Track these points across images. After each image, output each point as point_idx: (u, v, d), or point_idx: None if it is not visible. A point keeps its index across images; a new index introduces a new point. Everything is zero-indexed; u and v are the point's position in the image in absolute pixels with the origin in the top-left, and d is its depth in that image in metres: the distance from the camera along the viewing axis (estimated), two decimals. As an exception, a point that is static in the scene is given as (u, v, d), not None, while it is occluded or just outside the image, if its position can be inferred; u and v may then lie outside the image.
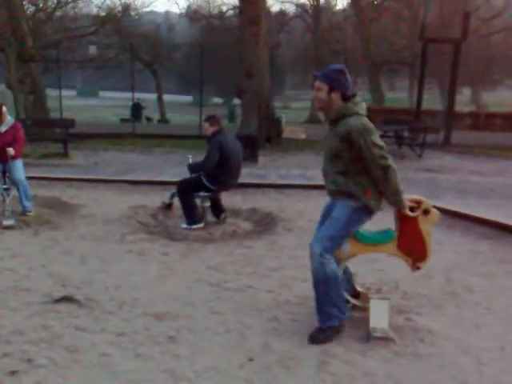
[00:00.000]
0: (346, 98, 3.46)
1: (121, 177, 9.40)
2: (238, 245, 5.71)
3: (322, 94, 3.47)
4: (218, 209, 6.59)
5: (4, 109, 6.46)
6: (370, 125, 3.45)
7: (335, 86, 3.43)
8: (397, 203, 3.48)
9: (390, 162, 3.40)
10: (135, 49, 23.83)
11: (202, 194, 6.31)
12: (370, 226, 3.73)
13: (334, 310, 3.48)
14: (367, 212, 3.51)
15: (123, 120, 22.78)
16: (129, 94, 21.48)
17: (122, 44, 25.81)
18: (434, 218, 3.64)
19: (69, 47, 23.04)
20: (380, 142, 3.42)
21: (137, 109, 24.10)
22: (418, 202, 3.62)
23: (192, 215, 6.29)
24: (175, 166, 10.42)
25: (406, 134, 13.83)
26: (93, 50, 23.25)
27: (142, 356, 3.26)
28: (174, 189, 6.63)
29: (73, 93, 44.54)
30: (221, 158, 6.11)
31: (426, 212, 3.62)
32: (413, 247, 3.62)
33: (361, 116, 3.46)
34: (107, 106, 38.51)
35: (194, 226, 6.24)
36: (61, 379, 2.98)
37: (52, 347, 3.32)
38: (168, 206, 6.91)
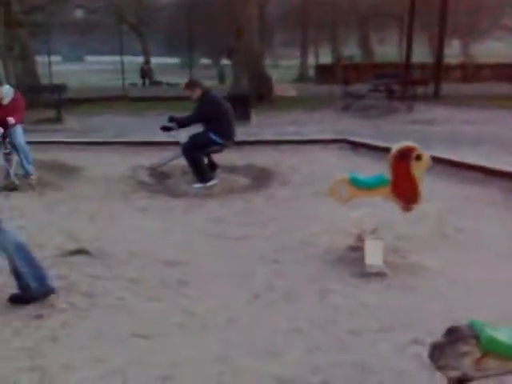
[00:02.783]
0: None
1: (117, 139, 9.53)
2: (237, 199, 5.94)
3: None
4: (212, 165, 6.79)
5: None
6: None
7: None
8: None
9: None
10: (121, 11, 23.51)
11: (212, 148, 6.46)
12: (367, 173, 3.96)
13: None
14: None
15: (132, 84, 22.58)
16: (115, 58, 21.33)
17: (108, 7, 25.38)
18: (426, 163, 3.87)
19: (53, 12, 22.63)
20: None
21: (145, 73, 24.32)
22: (411, 149, 3.83)
23: (204, 173, 6.43)
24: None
25: (395, 87, 13.94)
26: (79, 13, 22.91)
27: (155, 298, 3.52)
28: (152, 155, 6.85)
29: (58, 58, 43.87)
30: (220, 112, 6.32)
31: (418, 157, 3.84)
32: (405, 190, 3.86)
33: None
34: (94, 70, 38.05)
35: (209, 184, 6.37)
36: (82, 321, 3.23)
37: (70, 294, 3.56)
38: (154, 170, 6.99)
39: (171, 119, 6.59)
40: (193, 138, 6.52)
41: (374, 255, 3.77)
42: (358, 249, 4.05)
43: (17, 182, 6.37)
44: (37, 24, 19.65)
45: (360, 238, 4.05)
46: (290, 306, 3.40)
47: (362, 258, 3.85)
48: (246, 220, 5.15)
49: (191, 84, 6.59)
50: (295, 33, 32.29)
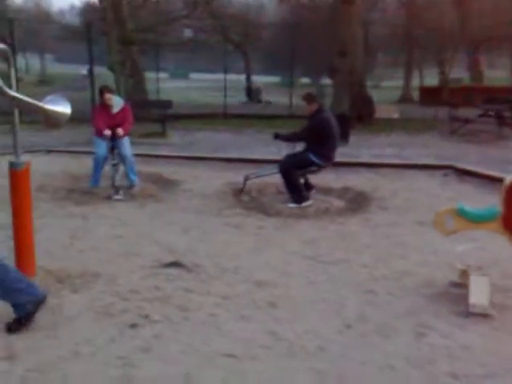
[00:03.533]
0: None
1: (215, 154, 9.77)
2: (332, 221, 5.81)
3: None
4: (307, 186, 6.72)
5: (108, 95, 6.92)
6: None
7: None
8: None
9: None
10: (226, 30, 24.29)
11: (310, 169, 6.41)
12: (473, 204, 3.70)
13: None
14: None
15: (244, 103, 23.26)
16: (218, 76, 22.03)
17: (213, 26, 26.33)
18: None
19: (164, 31, 23.87)
20: None
21: (251, 91, 25.16)
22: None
23: (300, 193, 6.36)
24: (265, 145, 10.62)
25: (507, 113, 13.12)
26: (188, 33, 24.01)
27: (245, 318, 3.50)
28: (249, 171, 6.86)
29: (165, 75, 46.16)
30: (327, 133, 6.24)
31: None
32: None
33: None
34: (197, 87, 39.56)
35: (304, 204, 6.27)
36: (175, 334, 3.27)
37: (165, 306, 3.63)
38: (241, 191, 6.86)
39: (276, 136, 6.55)
40: (291, 157, 6.48)
41: (478, 294, 3.50)
42: (460, 285, 3.78)
43: (120, 193, 6.69)
44: (147, 42, 20.81)
45: (464, 274, 3.77)
46: (384, 340, 3.23)
47: (465, 295, 3.58)
48: (340, 244, 5.02)
49: (310, 97, 6.41)
50: (398, 53, 31.60)
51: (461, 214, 3.58)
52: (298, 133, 6.52)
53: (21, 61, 34.10)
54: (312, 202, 6.38)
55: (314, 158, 6.31)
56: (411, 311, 3.58)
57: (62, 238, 5.07)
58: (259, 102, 24.96)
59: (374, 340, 3.22)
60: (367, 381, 2.79)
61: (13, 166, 3.88)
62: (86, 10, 31.02)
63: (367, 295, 3.86)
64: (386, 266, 4.45)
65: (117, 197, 6.62)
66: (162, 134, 12.49)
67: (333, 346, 3.14)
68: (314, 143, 6.30)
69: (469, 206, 3.68)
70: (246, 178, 6.87)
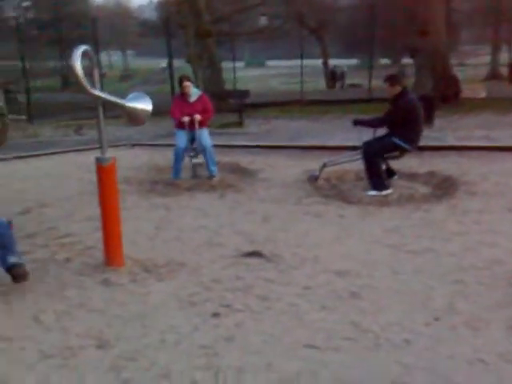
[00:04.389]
0: None
1: (292, 143, 9.73)
2: (416, 208, 5.60)
3: None
4: (389, 172, 6.50)
5: (187, 83, 7.05)
6: None
7: None
8: None
9: None
10: (301, 15, 24.03)
11: (394, 154, 6.20)
12: None
13: None
14: None
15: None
16: (294, 62, 21.85)
17: (288, 12, 26.15)
18: None
19: (239, 20, 24.03)
20: None
21: (337, 76, 24.91)
22: None
23: (381, 180, 6.14)
24: (344, 132, 10.42)
25: None
26: (263, 21, 24.03)
27: (327, 308, 3.44)
28: (324, 160, 6.69)
29: (241, 64, 46.60)
30: (412, 116, 6.00)
31: None
32: None
33: None
34: (274, 74, 39.58)
35: (384, 192, 6.07)
36: (256, 323, 3.28)
37: (246, 295, 3.66)
38: (316, 179, 6.72)
39: (356, 122, 6.33)
40: (375, 141, 6.26)
41: None
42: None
43: (201, 161, 7.07)
44: (223, 33, 21.04)
45: None
46: (474, 333, 3.06)
47: None
48: (425, 232, 4.82)
49: (393, 78, 6.12)
50: (484, 29, 29.84)
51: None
52: (380, 117, 6.28)
53: (104, 58, 35.71)
54: (392, 191, 6.16)
55: (399, 142, 6.08)
56: (503, 303, 3.37)
57: (147, 228, 5.25)
58: (342, 87, 24.51)
59: (463, 333, 3.06)
60: (456, 376, 2.65)
61: (99, 161, 4.05)
62: (163, 4, 31.82)
63: (455, 285, 3.68)
64: (475, 254, 4.23)
65: (195, 160, 7.06)
66: (240, 124, 12.61)
67: (420, 338, 3.02)
68: (399, 127, 6.05)
69: None
70: (324, 165, 6.75)
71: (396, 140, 6.07)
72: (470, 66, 29.71)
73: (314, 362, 2.85)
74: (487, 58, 29.72)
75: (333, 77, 25.87)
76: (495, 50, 28.42)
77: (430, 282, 3.76)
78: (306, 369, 2.79)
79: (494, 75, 26.11)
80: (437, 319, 3.23)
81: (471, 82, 19.63)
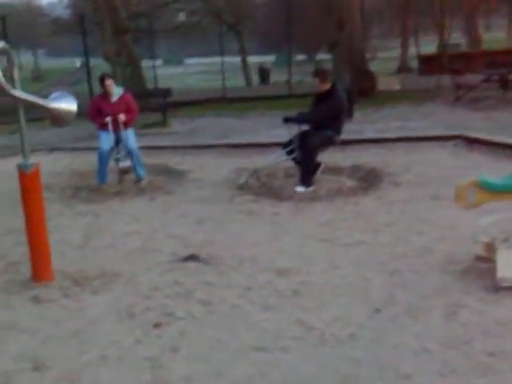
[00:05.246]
0: None
1: (220, 141, 9.65)
2: (345, 202, 5.72)
3: None
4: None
5: (108, 81, 6.78)
6: None
7: None
8: None
9: None
10: (219, 11, 23.93)
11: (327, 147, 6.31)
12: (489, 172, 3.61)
13: None
14: None
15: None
16: (213, 59, 21.74)
17: (206, 8, 25.96)
18: None
19: (156, 16, 23.55)
20: None
21: (263, 73, 24.66)
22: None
23: (311, 176, 6.21)
24: (269, 128, 10.48)
25: (510, 76, 12.89)
26: (182, 16, 23.69)
27: (270, 308, 3.43)
28: (256, 157, 6.67)
29: (158, 62, 45.79)
30: (343, 111, 6.10)
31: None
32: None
33: None
34: (193, 72, 39.25)
35: (310, 189, 6.14)
36: (201, 330, 3.21)
37: (187, 301, 3.57)
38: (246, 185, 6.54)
39: (287, 120, 6.24)
40: (314, 135, 6.20)
41: (507, 267, 3.42)
42: (486, 259, 3.70)
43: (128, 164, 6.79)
44: (141, 30, 20.54)
45: (490, 247, 3.69)
46: (416, 322, 3.16)
47: (492, 269, 3.51)
48: (357, 225, 4.94)
49: (324, 74, 6.14)
50: (393, 22, 31.16)
51: (484, 185, 3.48)
52: (314, 112, 6.27)
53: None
54: (314, 188, 6.22)
55: (332, 134, 6.19)
56: (439, 289, 3.51)
57: (74, 238, 5.01)
58: (266, 83, 24.63)
59: (405, 323, 3.15)
60: (404, 366, 2.72)
61: (22, 168, 3.80)
62: (76, 1, 30.62)
63: (392, 276, 3.78)
64: (405, 243, 4.38)
65: (122, 164, 6.76)
66: (163, 124, 12.34)
67: (364, 331, 3.07)
68: (332, 121, 6.15)
69: (491, 177, 3.58)
70: (255, 172, 6.65)
71: (330, 133, 6.17)
72: (381, 60, 30.88)
73: (264, 364, 2.83)
74: (397, 52, 31.02)
75: (262, 74, 25.90)
76: (404, 43, 29.69)
77: (367, 273, 3.84)
78: (256, 372, 2.76)
79: (404, 68, 27.27)
80: (377, 311, 3.31)
81: (383, 75, 20.39)
